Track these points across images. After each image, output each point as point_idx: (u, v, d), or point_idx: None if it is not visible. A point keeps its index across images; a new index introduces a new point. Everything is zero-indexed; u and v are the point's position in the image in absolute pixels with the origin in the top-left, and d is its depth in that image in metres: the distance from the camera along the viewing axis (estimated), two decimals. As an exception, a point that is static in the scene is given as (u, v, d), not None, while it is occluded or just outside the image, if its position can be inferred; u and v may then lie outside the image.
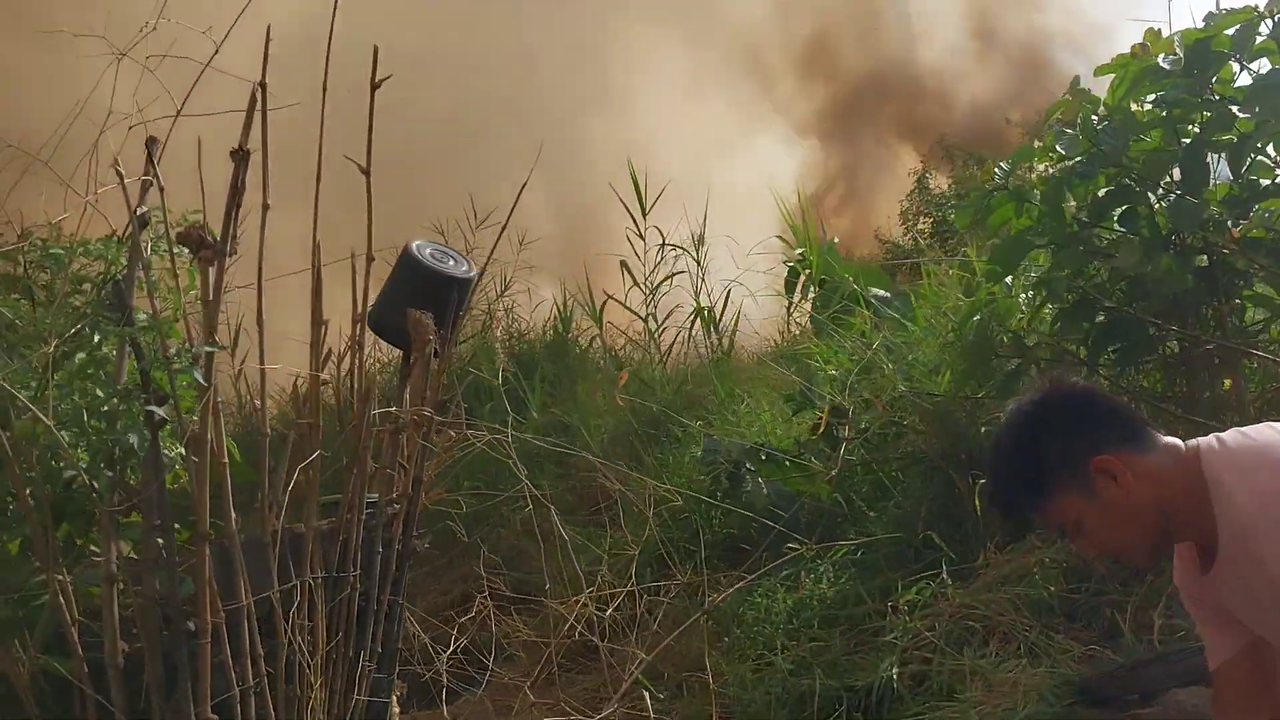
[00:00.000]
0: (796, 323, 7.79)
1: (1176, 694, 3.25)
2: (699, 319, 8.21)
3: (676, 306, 7.96)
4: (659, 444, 7.86)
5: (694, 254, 7.97)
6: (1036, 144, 5.21)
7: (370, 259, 4.06)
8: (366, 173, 3.99)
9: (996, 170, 5.11)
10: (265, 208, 3.67)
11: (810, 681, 4.95)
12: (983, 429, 5.54)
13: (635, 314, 7.92)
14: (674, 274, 7.78)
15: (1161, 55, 4.02)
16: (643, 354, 8.32)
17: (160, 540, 3.53)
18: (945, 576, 5.14)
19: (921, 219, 14.13)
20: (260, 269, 3.67)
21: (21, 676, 3.45)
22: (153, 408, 3.40)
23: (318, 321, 3.96)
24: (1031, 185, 4.98)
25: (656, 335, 7.96)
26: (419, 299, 4.50)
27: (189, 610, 3.60)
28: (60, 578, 3.48)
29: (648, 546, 6.43)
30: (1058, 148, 4.28)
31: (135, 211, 3.74)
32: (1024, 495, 2.35)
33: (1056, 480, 2.30)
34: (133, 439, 3.32)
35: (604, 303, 8.11)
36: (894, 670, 4.74)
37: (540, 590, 5.78)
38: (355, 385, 4.10)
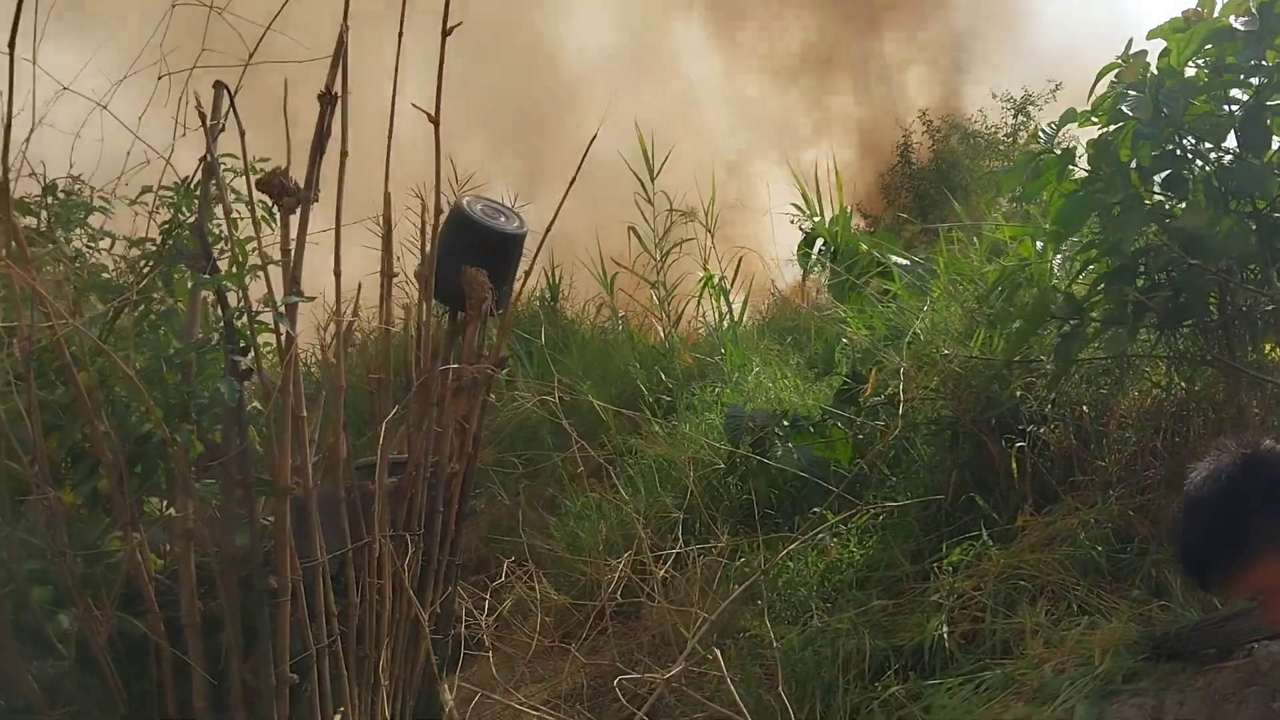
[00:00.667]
0: (811, 290, 7.78)
1: (1269, 646, 3.29)
2: (707, 286, 8.16)
3: (686, 275, 7.92)
4: (671, 412, 7.85)
5: (702, 220, 7.91)
6: (1080, 109, 5.22)
7: (439, 210, 3.95)
8: (435, 121, 3.88)
9: (1042, 133, 5.12)
10: (344, 155, 3.56)
11: (857, 641, 4.96)
12: (1017, 393, 5.59)
13: (644, 279, 7.86)
14: (684, 240, 7.72)
15: (1233, 17, 4.04)
16: (644, 321, 8.28)
17: (242, 496, 3.43)
18: (987, 538, 5.17)
19: (904, 192, 14.19)
20: (339, 217, 3.56)
21: (99, 636, 3.33)
22: (239, 358, 3.28)
23: (388, 273, 3.87)
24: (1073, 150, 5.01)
25: (666, 303, 7.90)
26: (471, 256, 4.41)
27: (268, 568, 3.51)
28: (137, 535, 3.36)
29: (663, 510, 6.44)
30: (1124, 109, 4.28)
31: (206, 157, 3.61)
32: (1222, 565, 2.29)
33: (1259, 553, 2.24)
34: (222, 388, 3.21)
35: (614, 274, 8.03)
36: (944, 629, 4.76)
37: (576, 553, 5.75)
38: (422, 341, 4.01)
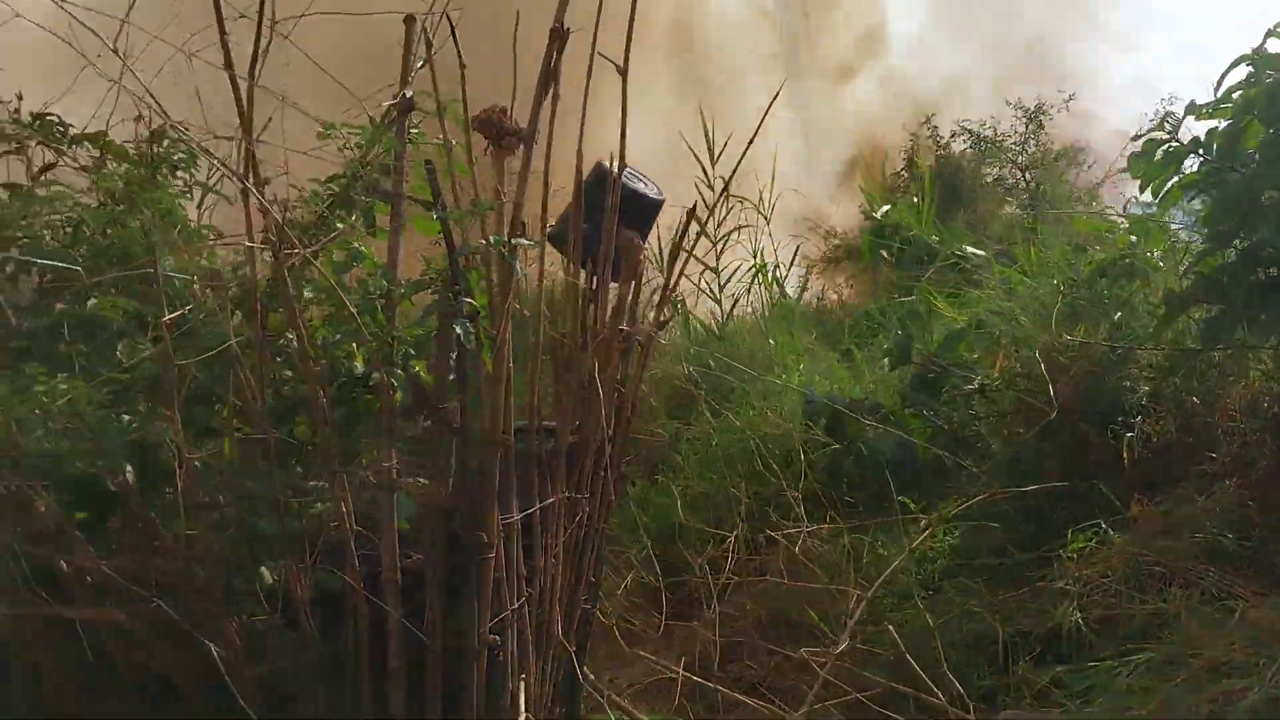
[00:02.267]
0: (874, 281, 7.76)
1: None
2: (759, 274, 8.11)
3: (742, 261, 7.85)
4: (725, 399, 7.77)
5: (760, 208, 7.85)
6: (1199, 102, 5.25)
7: (623, 167, 3.82)
8: (624, 73, 3.76)
9: (1167, 122, 5.15)
10: (555, 98, 3.42)
11: (984, 626, 4.92)
12: (1125, 383, 5.61)
13: (703, 263, 7.77)
14: (741, 227, 7.65)
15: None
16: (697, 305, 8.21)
17: (456, 446, 3.27)
18: (1104, 526, 5.16)
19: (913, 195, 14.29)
20: (547, 163, 3.43)
21: (302, 590, 3.15)
22: (467, 299, 3.13)
23: (579, 228, 3.73)
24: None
25: (721, 289, 7.83)
26: (618, 220, 4.28)
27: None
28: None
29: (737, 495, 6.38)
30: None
31: (401, 95, 3.45)
32: None
33: None
34: (458, 330, 3.05)
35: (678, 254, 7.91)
36: (1076, 614, 4.74)
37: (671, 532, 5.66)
38: (600, 301, 3.87)
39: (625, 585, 5.15)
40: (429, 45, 3.16)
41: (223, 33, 2.98)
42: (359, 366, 3.33)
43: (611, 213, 3.83)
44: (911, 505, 6.01)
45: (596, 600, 4.23)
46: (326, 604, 3.24)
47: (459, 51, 3.26)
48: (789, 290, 8.90)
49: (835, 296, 9.58)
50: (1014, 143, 14.28)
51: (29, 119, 5.03)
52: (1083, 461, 5.75)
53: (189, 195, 4.77)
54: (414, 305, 3.50)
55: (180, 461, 2.84)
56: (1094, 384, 5.72)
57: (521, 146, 3.29)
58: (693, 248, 4.29)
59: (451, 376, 3.24)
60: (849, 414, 6.17)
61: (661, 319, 4.20)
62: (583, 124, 3.66)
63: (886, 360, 7.03)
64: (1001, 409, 6.18)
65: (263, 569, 3.15)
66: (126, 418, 2.99)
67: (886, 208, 7.42)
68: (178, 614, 2.88)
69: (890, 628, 4.34)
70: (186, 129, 5.13)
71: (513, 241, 3.17)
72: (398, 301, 3.26)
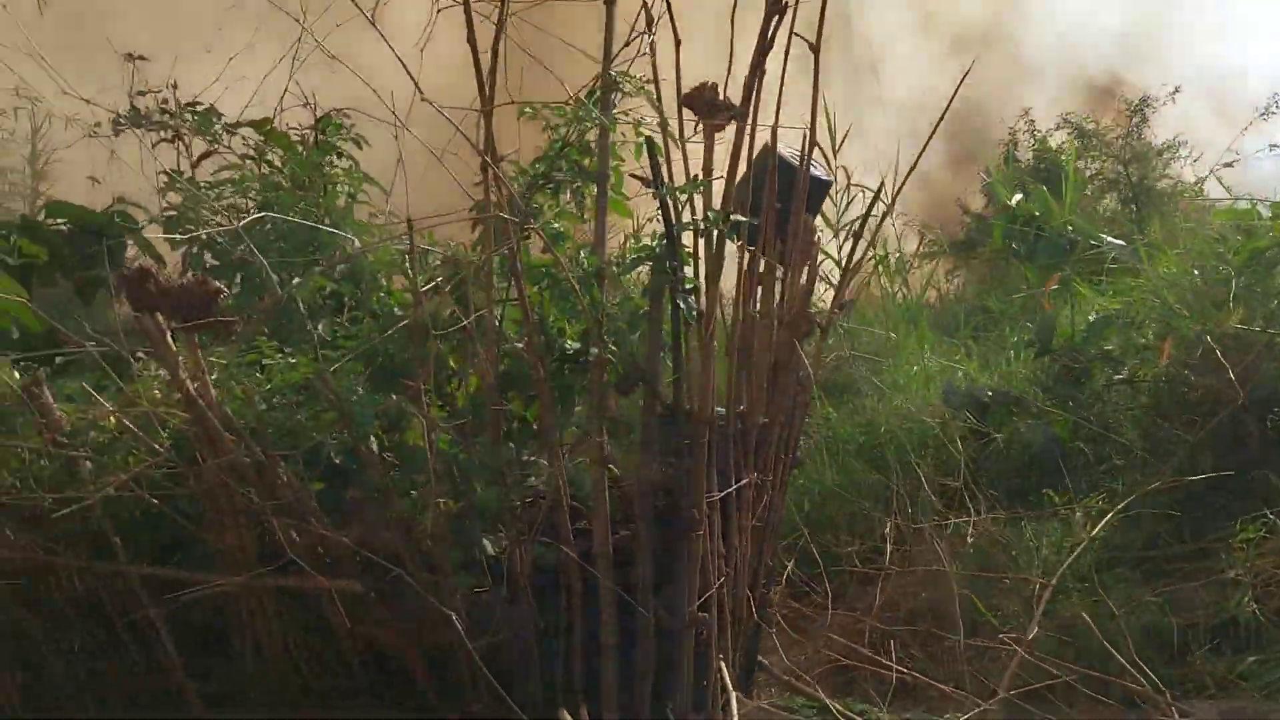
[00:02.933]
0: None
1: None
2: (879, 266, 8.03)
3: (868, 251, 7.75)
4: (844, 389, 7.69)
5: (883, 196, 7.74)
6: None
7: (814, 143, 3.79)
8: (816, 50, 3.73)
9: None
10: (761, 74, 3.40)
11: (1150, 617, 4.82)
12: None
13: (828, 255, 7.70)
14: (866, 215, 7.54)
15: None
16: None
17: (668, 421, 3.27)
18: (1274, 517, 5.03)
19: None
20: (752, 140, 3.42)
21: (522, 564, 3.18)
22: (681, 268, 3.13)
23: (773, 209, 3.70)
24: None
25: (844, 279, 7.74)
26: (790, 201, 4.25)
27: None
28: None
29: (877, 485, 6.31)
30: None
31: (605, 71, 3.45)
32: None
33: None
34: (681, 304, 3.05)
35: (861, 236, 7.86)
36: (1253, 605, 4.62)
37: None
38: (791, 282, 3.85)
39: (787, 573, 5.11)
40: (650, 21, 3.16)
41: (468, 5, 2.99)
42: (570, 344, 3.34)
43: (800, 195, 3.80)
44: (1055, 498, 5.92)
45: (773, 584, 4.21)
46: (541, 578, 3.26)
47: (675, 28, 3.26)
48: (909, 281, 8.81)
49: (938, 289, 9.45)
50: (1116, 136, 14.01)
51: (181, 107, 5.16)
52: (1242, 451, 5.61)
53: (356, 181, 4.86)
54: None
55: (428, 433, 2.86)
56: (1254, 372, 5.59)
57: (733, 122, 3.27)
58: (876, 231, 4.24)
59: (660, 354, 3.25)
60: (992, 405, 6.07)
61: (843, 301, 4.16)
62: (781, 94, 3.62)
63: (1024, 350, 6.92)
64: (1158, 399, 6.04)
65: (485, 541, 3.18)
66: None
67: (1019, 196, 7.30)
68: (418, 586, 2.91)
69: (1085, 615, 4.25)
70: (348, 116, 5.24)
71: (731, 218, 3.16)
72: (611, 279, 3.27)
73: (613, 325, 3.30)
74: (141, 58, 5.08)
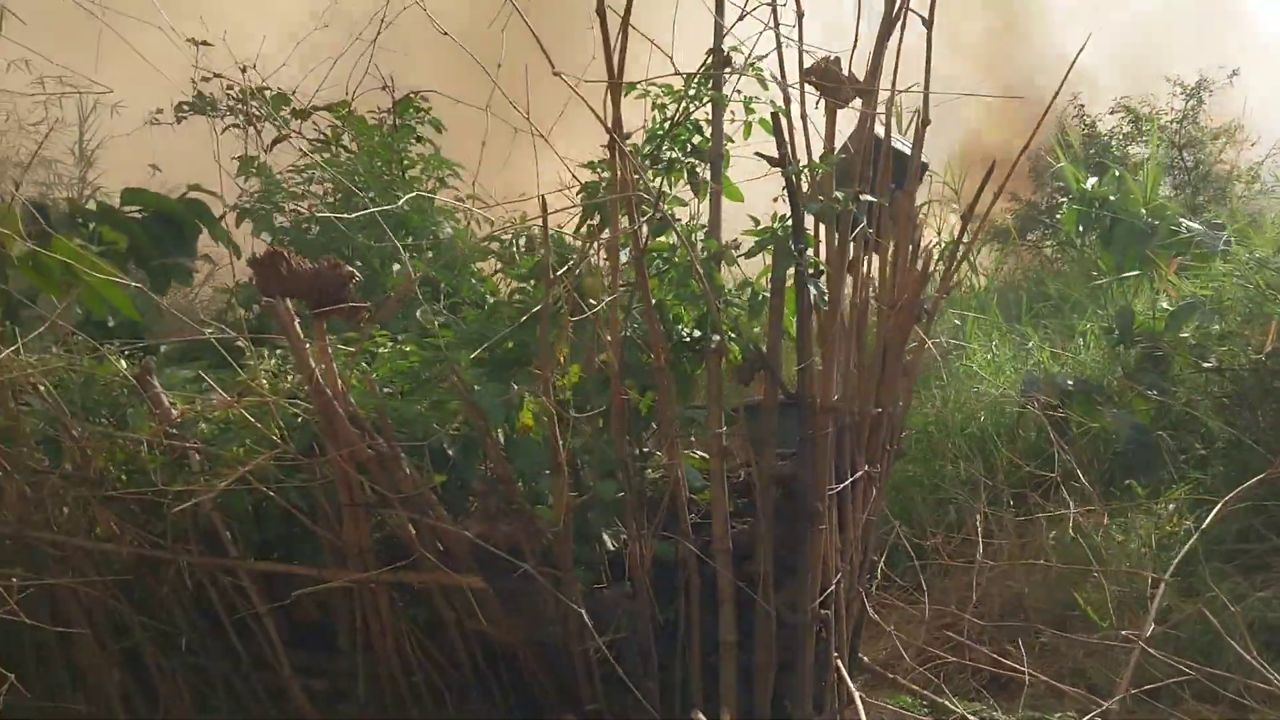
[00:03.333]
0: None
1: None
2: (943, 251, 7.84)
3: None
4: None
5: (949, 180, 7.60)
6: None
7: (926, 121, 3.65)
8: (929, 25, 3.58)
9: None
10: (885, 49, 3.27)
11: (1255, 613, 4.67)
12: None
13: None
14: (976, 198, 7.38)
15: None
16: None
17: (792, 410, 3.15)
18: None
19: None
20: (888, 116, 3.29)
21: (643, 559, 3.06)
22: (808, 251, 3.00)
23: (888, 188, 3.57)
24: None
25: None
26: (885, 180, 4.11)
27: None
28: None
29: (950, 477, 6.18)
30: None
31: (717, 46, 3.33)
32: None
33: None
34: (813, 289, 2.93)
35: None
36: (1367, 602, 4.47)
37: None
38: (901, 266, 3.71)
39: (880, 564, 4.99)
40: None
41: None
42: (685, 330, 3.22)
43: (915, 177, 3.66)
44: (1139, 489, 5.77)
45: (875, 578, 4.08)
46: (658, 573, 3.15)
47: (798, 1, 3.13)
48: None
49: (987, 276, 9.28)
50: (1171, 120, 13.76)
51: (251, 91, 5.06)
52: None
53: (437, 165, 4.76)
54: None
55: (553, 425, 2.75)
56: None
57: (858, 99, 3.14)
58: (987, 211, 4.10)
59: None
60: (1074, 394, 5.91)
61: (950, 285, 4.02)
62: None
63: (1098, 338, 6.75)
64: (1244, 387, 5.86)
65: (605, 535, 3.07)
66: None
67: (1093, 180, 7.11)
68: (546, 582, 2.81)
69: (1203, 609, 4.10)
70: (425, 99, 5.13)
71: (860, 197, 3.03)
72: (731, 263, 3.15)
73: (735, 311, 3.17)
74: (205, 43, 4.99)
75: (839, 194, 3.11)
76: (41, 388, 2.83)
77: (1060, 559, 5.42)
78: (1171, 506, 5.55)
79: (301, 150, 4.94)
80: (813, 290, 3.00)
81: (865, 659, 4.18)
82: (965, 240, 3.98)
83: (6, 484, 2.89)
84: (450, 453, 3.04)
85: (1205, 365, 5.90)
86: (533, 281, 3.51)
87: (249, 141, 5.08)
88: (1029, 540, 5.41)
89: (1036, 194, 13.80)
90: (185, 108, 5.10)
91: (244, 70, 5.05)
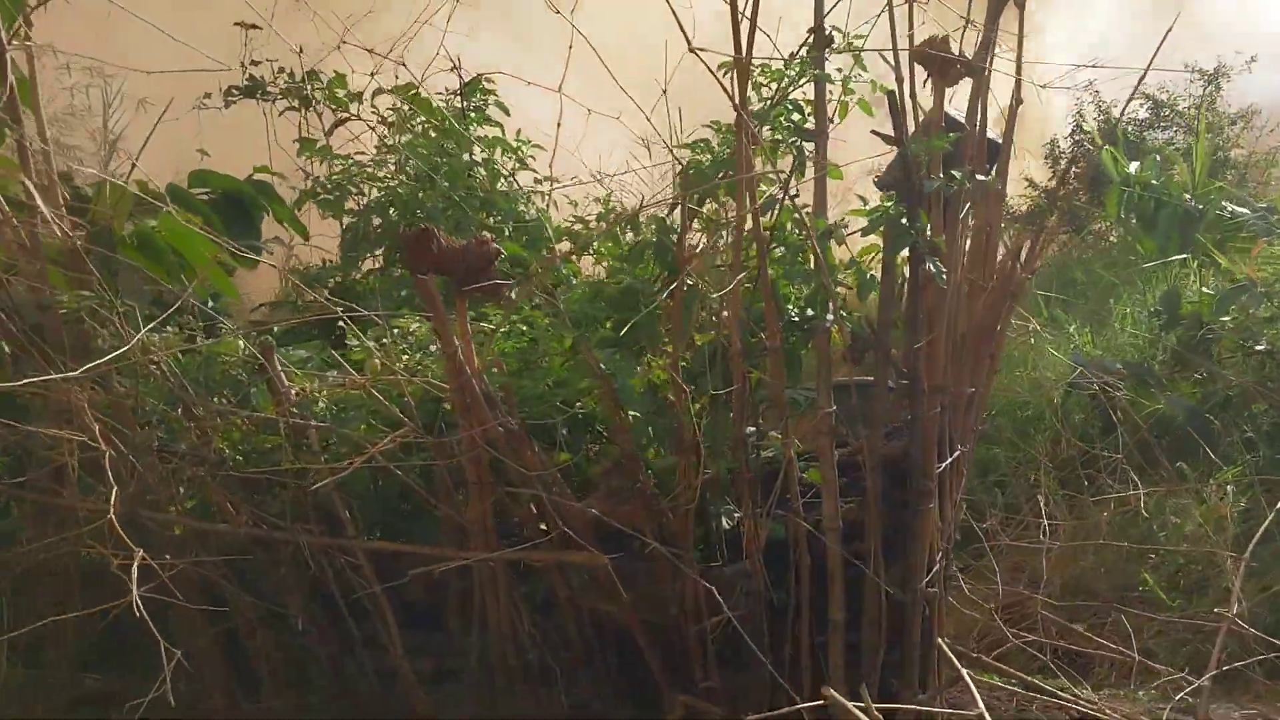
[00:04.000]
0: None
1: None
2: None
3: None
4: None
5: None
6: None
7: (1019, 101, 3.64)
8: (1020, 6, 3.57)
9: None
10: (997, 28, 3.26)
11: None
12: None
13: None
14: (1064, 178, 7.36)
15: None
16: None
17: (904, 392, 3.16)
18: None
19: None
20: (985, 94, 3.28)
21: (756, 539, 3.07)
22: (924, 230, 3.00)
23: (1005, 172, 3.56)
24: None
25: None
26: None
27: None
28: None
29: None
30: None
31: (818, 24, 3.32)
32: None
33: None
34: (932, 267, 2.93)
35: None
36: None
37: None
38: (991, 247, 3.70)
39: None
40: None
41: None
42: (794, 310, 3.23)
43: (1005, 159, 3.66)
44: (1188, 472, 5.81)
45: (951, 558, 4.09)
46: (767, 551, 3.15)
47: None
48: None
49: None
50: (1188, 106, 13.78)
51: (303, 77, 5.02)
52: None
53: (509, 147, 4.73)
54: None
55: (681, 403, 2.75)
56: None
57: (968, 78, 3.14)
58: (1067, 194, 4.10)
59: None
60: (1127, 378, 5.94)
61: (1035, 266, 4.02)
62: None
63: (1134, 322, 6.79)
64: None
65: (720, 514, 3.07)
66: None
67: (1135, 164, 7.13)
68: (677, 561, 2.81)
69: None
70: (491, 80, 5.10)
71: (978, 177, 3.03)
72: (841, 241, 3.15)
73: (842, 291, 3.18)
74: (254, 26, 4.94)
75: (955, 172, 3.10)
76: (164, 367, 2.81)
77: (1115, 541, 5.47)
78: (1231, 488, 5.59)
79: (354, 135, 4.90)
80: (931, 268, 3.00)
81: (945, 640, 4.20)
82: (1050, 222, 3.97)
83: (122, 464, 2.87)
84: (565, 431, 3.04)
85: (1257, 348, 5.93)
86: (628, 263, 3.50)
87: (302, 125, 5.04)
88: (1084, 522, 5.46)
89: (1052, 179, 13.79)
90: (235, 92, 5.06)
91: (299, 53, 5.01)
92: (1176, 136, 14.07)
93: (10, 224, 3.07)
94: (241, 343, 2.95)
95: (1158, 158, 7.38)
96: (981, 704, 3.08)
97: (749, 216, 2.97)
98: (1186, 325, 6.42)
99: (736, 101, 2.87)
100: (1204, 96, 13.79)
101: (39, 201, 2.78)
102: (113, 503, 2.41)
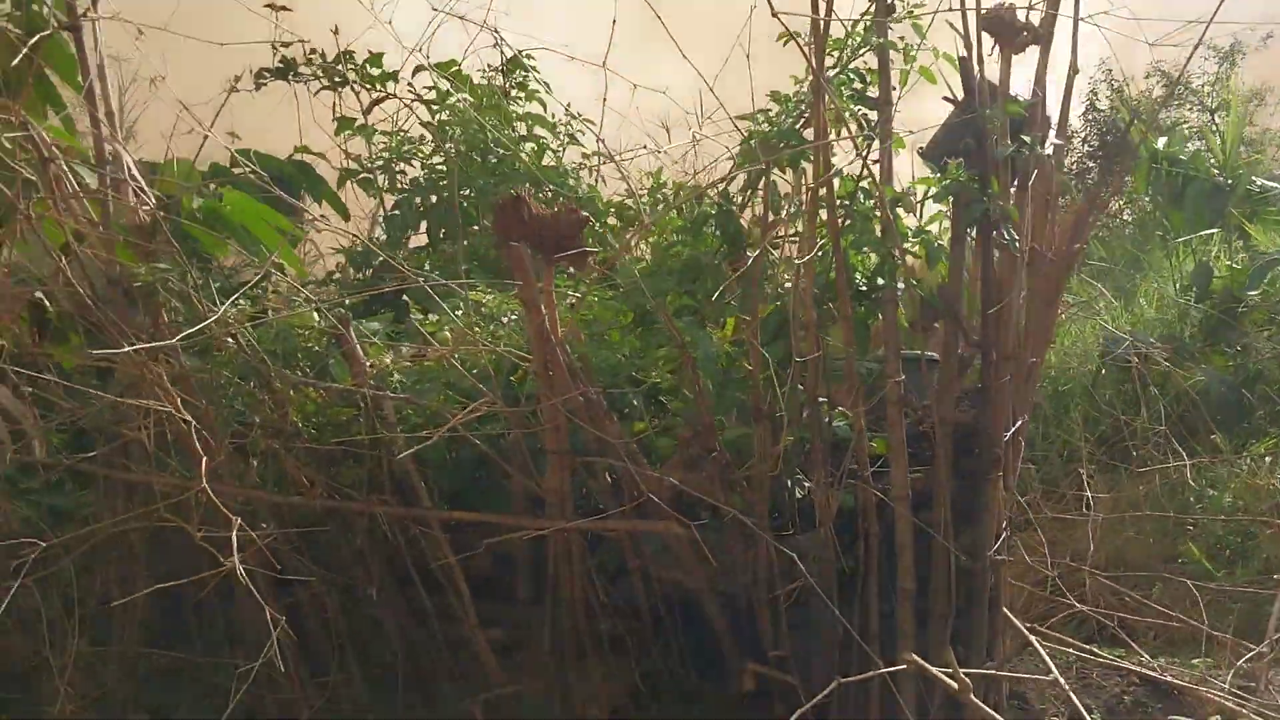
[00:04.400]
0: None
1: None
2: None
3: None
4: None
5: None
6: None
7: (1076, 70, 3.62)
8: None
9: None
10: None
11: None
12: None
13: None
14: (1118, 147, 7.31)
15: None
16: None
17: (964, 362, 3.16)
18: None
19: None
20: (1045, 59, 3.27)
21: (828, 507, 3.07)
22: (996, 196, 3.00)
23: (1065, 139, 3.55)
24: None
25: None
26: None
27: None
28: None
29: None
30: None
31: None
32: None
33: None
34: (1005, 234, 2.93)
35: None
36: None
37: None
38: (1052, 217, 3.70)
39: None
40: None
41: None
42: (861, 279, 3.23)
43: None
44: (1221, 443, 5.84)
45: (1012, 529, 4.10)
46: (836, 521, 3.16)
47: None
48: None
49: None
50: (1202, 84, 13.76)
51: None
52: None
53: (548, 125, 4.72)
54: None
55: (758, 372, 2.75)
56: None
57: (1034, 46, 3.13)
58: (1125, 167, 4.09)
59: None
60: (1159, 352, 5.95)
61: (1088, 236, 4.02)
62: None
63: (1154, 297, 6.81)
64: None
65: (790, 482, 3.08)
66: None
67: (1164, 139, 7.12)
68: (760, 530, 2.82)
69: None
70: (530, 57, 5.08)
71: (1049, 142, 3.03)
72: (910, 210, 3.15)
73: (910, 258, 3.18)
74: (284, 8, 4.92)
75: (1025, 138, 3.10)
76: (243, 339, 2.81)
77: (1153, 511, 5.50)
78: (1268, 459, 5.61)
79: (388, 115, 4.89)
80: (1006, 236, 3.00)
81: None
82: (1105, 192, 3.96)
83: (195, 438, 2.86)
84: (635, 401, 3.05)
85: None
86: (689, 236, 3.50)
87: (336, 106, 5.02)
88: (1124, 495, 5.49)
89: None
90: (266, 74, 5.04)
91: (335, 32, 4.99)
92: (1190, 114, 14.05)
93: (79, 198, 3.06)
94: (316, 315, 2.95)
95: (1184, 132, 7.36)
96: (1055, 670, 3.11)
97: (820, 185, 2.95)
98: (1219, 299, 6.43)
99: (813, 64, 2.86)
100: (1219, 74, 13.75)
101: (116, 175, 2.77)
102: (203, 474, 2.40)
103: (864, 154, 3.00)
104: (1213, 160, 7.29)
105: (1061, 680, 3.04)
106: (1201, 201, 6.86)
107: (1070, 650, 3.83)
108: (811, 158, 3.17)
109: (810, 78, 3.36)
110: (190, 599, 3.44)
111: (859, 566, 3.17)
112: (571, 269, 2.80)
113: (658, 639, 3.22)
